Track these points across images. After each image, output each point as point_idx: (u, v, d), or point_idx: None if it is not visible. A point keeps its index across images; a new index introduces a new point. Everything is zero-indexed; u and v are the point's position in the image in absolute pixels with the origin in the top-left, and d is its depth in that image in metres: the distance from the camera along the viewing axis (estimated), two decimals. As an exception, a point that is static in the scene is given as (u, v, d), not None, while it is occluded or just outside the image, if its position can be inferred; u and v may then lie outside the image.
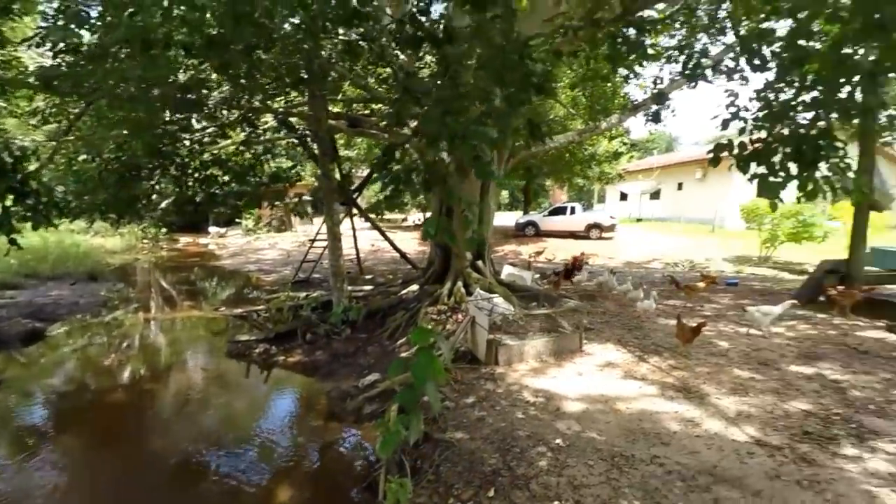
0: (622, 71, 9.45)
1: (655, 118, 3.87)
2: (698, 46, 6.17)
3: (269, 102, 7.23)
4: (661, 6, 6.86)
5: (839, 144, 2.93)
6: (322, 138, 7.12)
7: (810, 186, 2.92)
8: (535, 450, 3.43)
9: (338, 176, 7.28)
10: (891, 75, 2.86)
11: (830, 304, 7.28)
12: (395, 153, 3.63)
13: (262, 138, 8.94)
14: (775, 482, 2.97)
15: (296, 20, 4.33)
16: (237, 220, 26.52)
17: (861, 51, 2.74)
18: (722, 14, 7.00)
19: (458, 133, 2.86)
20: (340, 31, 5.45)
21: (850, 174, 3.01)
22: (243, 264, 16.05)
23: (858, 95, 2.87)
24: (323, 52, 6.07)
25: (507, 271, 9.04)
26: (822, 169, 2.96)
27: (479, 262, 8.08)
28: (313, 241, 11.55)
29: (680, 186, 31.03)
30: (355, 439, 4.64)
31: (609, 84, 12.54)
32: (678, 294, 8.60)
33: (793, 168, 3.03)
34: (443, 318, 6.98)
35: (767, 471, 3.09)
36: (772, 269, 15.48)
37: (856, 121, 2.97)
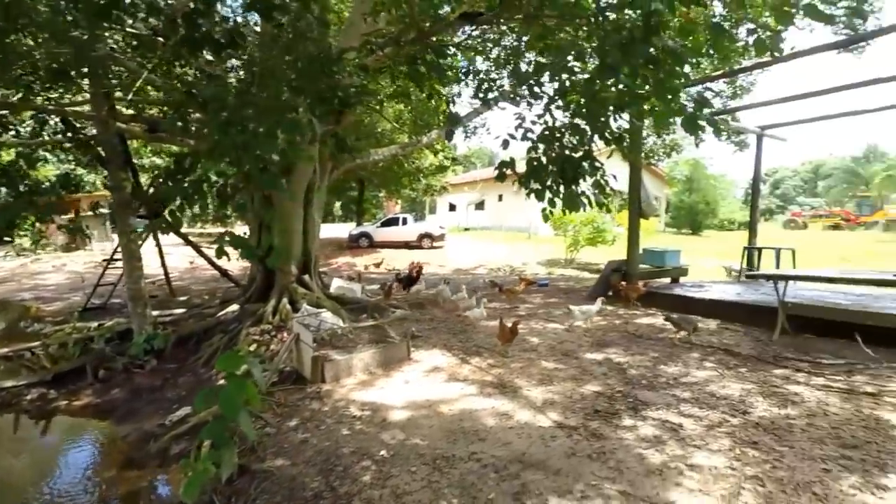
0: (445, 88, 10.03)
1: (448, 136, 4.16)
2: (494, 74, 6.83)
3: (32, 98, 6.03)
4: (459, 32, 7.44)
5: (598, 164, 3.48)
6: (108, 142, 6.17)
7: (573, 201, 3.40)
8: (359, 465, 3.37)
9: (132, 187, 6.37)
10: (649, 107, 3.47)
11: (620, 297, 8.59)
12: (186, 163, 3.29)
13: (22, 138, 7.42)
14: (572, 459, 3.34)
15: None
16: (5, 238, 21.72)
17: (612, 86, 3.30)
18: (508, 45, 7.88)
19: (239, 144, 2.69)
20: (129, 21, 4.80)
21: (608, 190, 3.58)
22: (14, 292, 13.15)
23: (617, 123, 3.48)
24: (108, 44, 5.29)
25: (336, 284, 8.86)
26: (583, 187, 3.49)
27: (306, 277, 7.79)
28: (109, 260, 9.96)
29: (500, 198, 33.93)
30: (161, 486, 4.07)
31: (431, 101, 13.24)
32: (500, 297, 9.32)
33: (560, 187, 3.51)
34: (267, 339, 6.54)
35: (566, 450, 3.46)
36: (575, 270, 17.68)
37: (615, 145, 3.56)
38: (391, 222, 23.16)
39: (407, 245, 22.75)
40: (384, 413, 4.22)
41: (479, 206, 35.40)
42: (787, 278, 6.31)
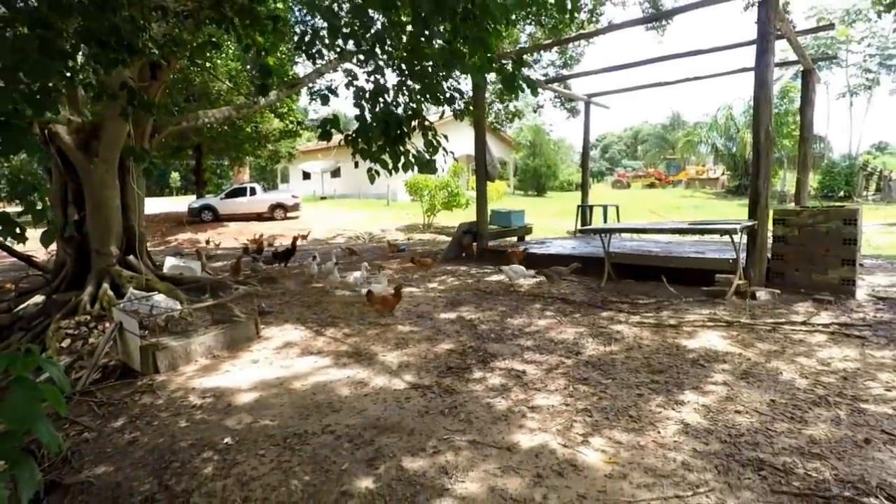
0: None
1: (260, 91, 3.85)
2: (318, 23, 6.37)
3: None
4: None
5: (427, 124, 3.50)
6: None
7: (402, 160, 3.38)
8: (199, 458, 3.08)
9: None
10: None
11: (468, 257, 8.98)
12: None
13: None
14: (425, 417, 3.42)
15: None
16: None
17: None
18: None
19: None
20: None
21: (442, 150, 3.62)
22: None
23: (448, 83, 3.51)
24: None
25: (169, 263, 7.93)
26: (409, 146, 3.48)
27: (131, 257, 6.82)
28: None
29: (357, 165, 33.13)
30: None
31: (271, 61, 12.22)
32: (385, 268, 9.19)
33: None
34: (84, 332, 5.63)
35: (420, 409, 3.53)
36: (433, 234, 18.14)
37: (447, 106, 3.58)
38: (237, 193, 21.39)
39: (259, 217, 21.30)
40: (229, 398, 3.90)
41: (335, 173, 34.29)
42: (609, 231, 7.12)
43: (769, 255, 6.30)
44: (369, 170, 3.55)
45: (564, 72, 13.22)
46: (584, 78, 10.80)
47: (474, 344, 4.85)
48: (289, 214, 21.77)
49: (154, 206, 23.35)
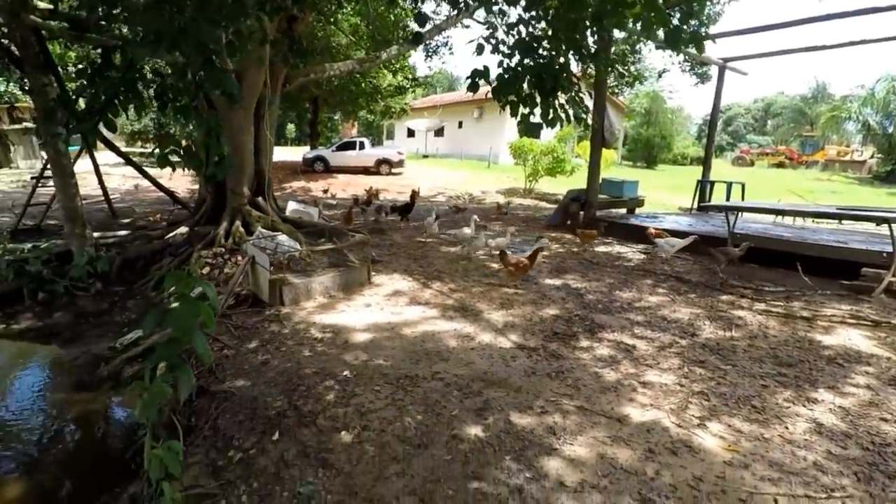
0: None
1: (416, 40, 3.81)
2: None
3: None
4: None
5: (574, 80, 3.33)
6: (21, 38, 5.43)
7: (551, 114, 3.25)
8: (322, 385, 3.36)
9: (57, 93, 5.67)
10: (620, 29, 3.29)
11: (576, 232, 8.71)
12: (116, 57, 2.89)
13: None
14: (532, 378, 3.45)
15: None
16: None
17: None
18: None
19: (174, 29, 2.35)
20: None
21: (583, 106, 3.46)
22: (-69, 211, 12.05)
23: (591, 39, 3.30)
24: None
25: (291, 207, 8.54)
26: (562, 100, 3.34)
27: (260, 199, 7.44)
28: (39, 178, 9.18)
29: (460, 125, 33.17)
30: (116, 408, 3.97)
31: (391, 16, 12.35)
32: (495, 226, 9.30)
33: (537, 98, 3.33)
34: (220, 262, 6.30)
35: (526, 369, 3.57)
36: (534, 200, 17.82)
37: (590, 62, 3.39)
38: (347, 146, 22.29)
39: (366, 171, 22.12)
40: (346, 335, 4.19)
41: (439, 132, 34.54)
42: (736, 209, 6.53)
43: (934, 252, 5.45)
44: (519, 123, 3.48)
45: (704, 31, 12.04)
46: (721, 40, 9.75)
47: (581, 312, 4.76)
48: (393, 170, 22.37)
49: (273, 154, 25.11)
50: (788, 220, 8.31)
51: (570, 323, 4.49)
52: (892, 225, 5.09)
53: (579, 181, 14.79)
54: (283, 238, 6.40)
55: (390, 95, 20.93)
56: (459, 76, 75.25)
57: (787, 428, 2.88)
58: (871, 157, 33.29)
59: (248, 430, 2.92)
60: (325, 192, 15.43)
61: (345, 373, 3.52)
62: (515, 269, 5.46)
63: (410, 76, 22.02)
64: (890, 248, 5.31)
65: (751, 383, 3.41)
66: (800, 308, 4.94)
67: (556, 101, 3.24)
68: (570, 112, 3.32)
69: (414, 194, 10.59)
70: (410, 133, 36.50)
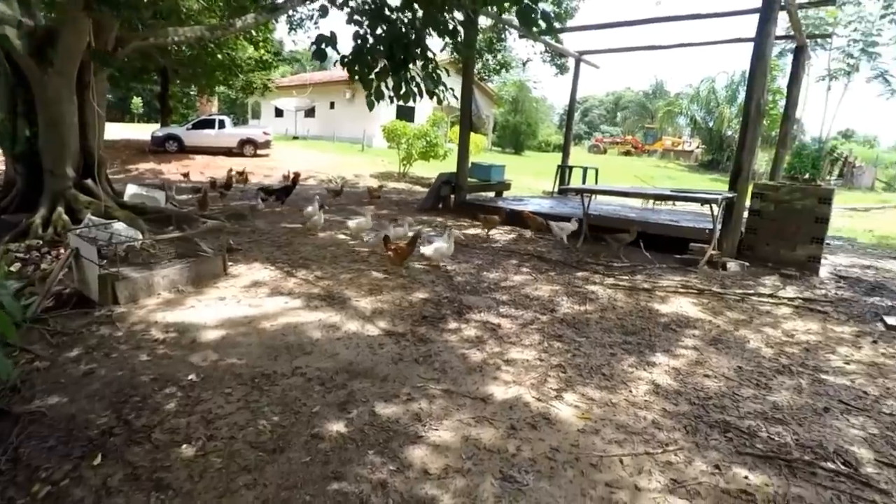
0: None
1: (273, 8, 3.47)
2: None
3: None
4: None
5: (430, 54, 3.26)
6: None
7: (403, 87, 3.15)
8: (161, 393, 2.95)
9: None
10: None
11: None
12: None
13: None
14: (399, 364, 3.36)
15: None
16: None
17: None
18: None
19: None
20: None
21: (442, 84, 3.41)
22: None
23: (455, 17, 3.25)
24: None
25: (131, 191, 7.50)
26: (416, 73, 3.24)
27: (89, 182, 6.40)
28: None
29: (332, 105, 32.00)
30: None
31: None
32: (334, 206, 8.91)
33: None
34: (36, 256, 5.31)
35: (393, 356, 3.47)
36: (408, 184, 17.82)
37: (450, 41, 3.34)
38: (205, 124, 20.32)
39: (229, 152, 20.38)
40: (194, 334, 3.75)
41: (310, 113, 33.00)
42: (590, 192, 7.06)
43: (743, 229, 6.39)
44: (368, 95, 3.30)
45: (558, 25, 12.80)
46: (577, 35, 10.45)
47: (450, 295, 4.79)
48: (259, 152, 20.91)
49: (115, 131, 22.03)
50: (636, 202, 9.24)
51: (439, 306, 4.49)
52: (712, 205, 5.85)
53: (453, 166, 15.04)
54: (119, 226, 5.57)
55: (251, 70, 19.37)
56: (332, 54, 72.55)
57: (631, 392, 3.13)
58: (697, 147, 38.55)
59: (62, 457, 2.45)
60: (186, 175, 13.89)
61: (190, 376, 3.13)
62: (394, 255, 5.32)
63: (272, 50, 20.58)
64: (711, 226, 6.11)
65: (601, 353, 3.67)
66: (642, 281, 5.47)
67: (408, 75, 3.13)
68: (423, 87, 3.24)
69: (296, 177, 9.94)
70: (279, 113, 34.38)
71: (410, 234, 6.20)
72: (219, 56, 16.19)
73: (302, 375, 3.17)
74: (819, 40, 31.37)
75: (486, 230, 7.57)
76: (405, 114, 27.52)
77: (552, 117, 59.38)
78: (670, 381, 3.30)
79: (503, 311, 4.41)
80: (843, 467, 2.46)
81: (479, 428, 2.68)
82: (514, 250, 6.69)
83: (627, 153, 41.87)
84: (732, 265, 5.91)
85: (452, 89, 3.53)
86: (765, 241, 6.18)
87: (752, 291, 5.24)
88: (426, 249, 5.67)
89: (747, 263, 6.03)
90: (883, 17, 29.31)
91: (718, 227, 6.03)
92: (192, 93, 36.99)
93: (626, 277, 5.61)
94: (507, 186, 10.93)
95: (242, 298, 4.51)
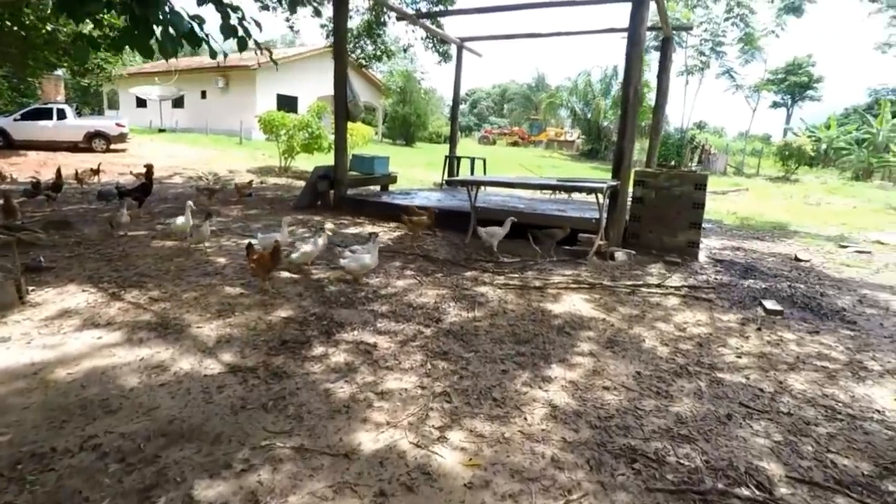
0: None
1: None
2: None
3: None
4: None
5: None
6: None
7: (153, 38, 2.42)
8: None
9: None
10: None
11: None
12: None
13: None
14: (240, 415, 2.60)
15: None
16: None
17: None
18: None
19: None
20: None
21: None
22: None
23: None
24: None
25: None
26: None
27: None
28: None
29: (203, 95, 29.15)
30: None
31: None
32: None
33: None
34: None
35: (234, 403, 2.70)
36: (290, 178, 16.53)
37: None
38: (39, 114, 17.24)
39: (75, 147, 17.51)
40: (-58, 398, 2.67)
41: (178, 103, 29.79)
42: (477, 183, 6.65)
43: (627, 217, 6.35)
44: (74, 40, 2.45)
45: (437, 9, 12.33)
46: (459, 22, 10.06)
47: (319, 310, 4.06)
48: (113, 146, 18.25)
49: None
50: (526, 193, 9.07)
51: (305, 326, 3.76)
52: (598, 194, 5.69)
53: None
54: None
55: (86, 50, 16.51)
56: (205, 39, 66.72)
57: (525, 419, 2.67)
58: (578, 137, 40.73)
59: None
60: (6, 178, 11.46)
61: None
62: (256, 266, 4.43)
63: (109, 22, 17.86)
64: (598, 215, 5.97)
65: (492, 370, 3.19)
66: (533, 278, 5.14)
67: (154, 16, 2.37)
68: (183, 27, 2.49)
69: (150, 171, 8.32)
70: (141, 103, 30.59)
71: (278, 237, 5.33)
72: (43, 31, 13.43)
73: (94, 450, 2.30)
74: (676, 38, 34.47)
75: (413, 235, 6.61)
76: (287, 104, 25.74)
77: (442, 109, 59.58)
78: (568, 398, 2.89)
79: (381, 327, 3.79)
80: (757, 492, 2.17)
81: (338, 500, 2.04)
82: (398, 250, 6.09)
83: (515, 144, 43.20)
84: (620, 255, 5.82)
85: (270, 52, 2.80)
86: (648, 229, 6.19)
87: (641, 283, 5.12)
88: (301, 250, 4.86)
89: (634, 252, 5.99)
90: (727, 19, 32.84)
91: (605, 216, 5.89)
92: (34, 80, 31.63)
93: (517, 275, 5.25)
94: (393, 179, 10.29)
95: (37, 337, 3.42)
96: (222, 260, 5.30)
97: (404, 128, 33.39)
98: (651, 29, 10.49)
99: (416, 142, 34.26)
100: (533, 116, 50.35)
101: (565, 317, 4.12)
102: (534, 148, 41.82)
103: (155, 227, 6.79)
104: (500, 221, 6.63)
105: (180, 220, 5.78)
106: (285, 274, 4.93)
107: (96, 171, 12.48)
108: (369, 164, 9.30)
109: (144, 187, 7.48)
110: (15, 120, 16.88)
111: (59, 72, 24.03)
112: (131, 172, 12.32)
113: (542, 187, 6.50)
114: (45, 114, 17.28)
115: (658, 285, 5.00)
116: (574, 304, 4.43)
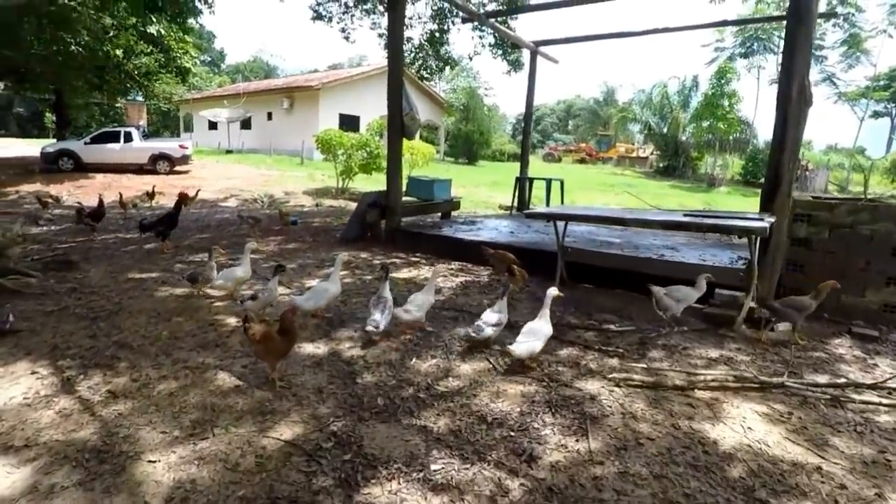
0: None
1: None
2: None
3: None
4: None
5: None
6: None
7: None
8: None
9: None
10: None
11: (376, 240, 6.65)
12: None
13: None
14: None
15: None
16: None
17: None
18: None
19: None
20: None
21: None
22: None
23: None
24: None
25: None
26: None
27: None
28: None
29: (269, 116, 29.36)
30: None
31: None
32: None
33: None
34: None
35: None
36: (346, 201, 15.59)
37: None
38: (107, 137, 17.39)
39: (141, 169, 17.56)
40: None
41: (246, 124, 30.21)
42: (569, 218, 5.04)
43: (782, 264, 4.53)
44: None
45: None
46: (531, 26, 8.60)
47: (342, 424, 2.63)
48: (177, 168, 18.17)
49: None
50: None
51: (314, 462, 2.32)
52: (753, 237, 3.93)
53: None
54: None
55: (146, 74, 16.44)
56: (276, 65, 69.44)
57: None
58: (652, 153, 37.92)
59: None
60: (50, 201, 11.14)
61: None
62: (260, 349, 3.08)
63: (197, 54, 17.91)
64: (745, 264, 4.23)
65: None
66: (661, 360, 3.47)
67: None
68: None
69: (183, 198, 7.38)
70: (212, 125, 31.38)
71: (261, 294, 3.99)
72: (73, 49, 13.04)
73: None
74: (766, 42, 31.35)
75: (518, 284, 4.88)
76: (349, 123, 25.28)
77: (504, 126, 58.16)
78: None
79: (437, 471, 2.29)
80: None
81: None
82: (461, 306, 4.60)
83: (582, 161, 40.96)
84: (782, 323, 4.02)
85: None
86: (816, 281, 4.34)
87: (840, 378, 3.31)
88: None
89: (799, 320, 4.15)
90: (827, 19, 29.39)
91: (756, 266, 4.11)
92: (117, 105, 33.34)
93: (637, 356, 3.59)
94: (456, 205, 8.88)
95: None
96: (232, 321, 4.02)
97: (467, 146, 32.23)
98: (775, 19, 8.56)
99: (478, 160, 32.98)
100: (601, 132, 47.85)
101: (745, 458, 2.44)
102: (602, 165, 39.41)
103: (174, 266, 5.71)
104: (599, 267, 5.02)
105: (211, 268, 4.57)
106: (310, 349, 3.55)
107: (152, 195, 12.00)
108: (428, 188, 7.92)
109: (169, 218, 6.45)
110: (85, 143, 17.09)
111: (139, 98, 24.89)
112: (182, 196, 11.69)
113: (668, 226, 4.79)
114: (113, 137, 17.42)
115: (874, 386, 3.17)
116: (749, 424, 2.73)
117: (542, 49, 10.05)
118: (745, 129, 30.80)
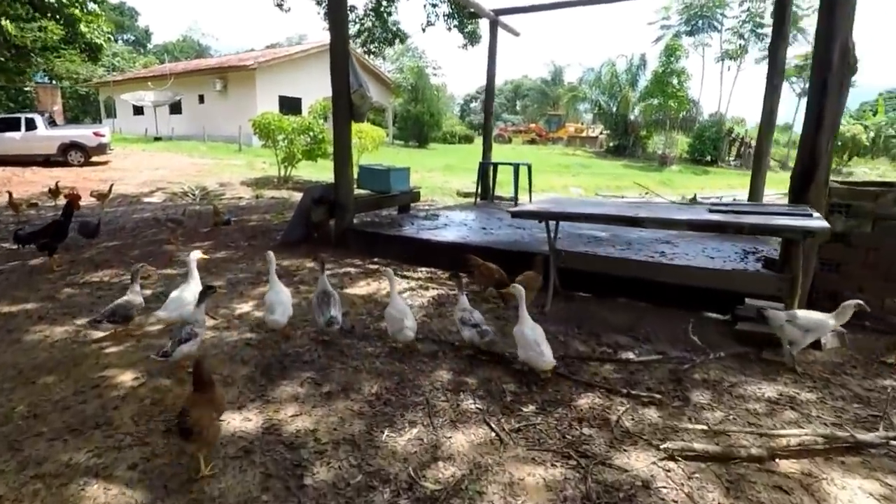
0: None
1: None
2: None
3: None
4: None
5: None
6: None
7: None
8: None
9: None
10: None
11: (323, 241, 5.57)
12: None
13: None
14: None
15: None
16: None
17: None
18: None
19: None
20: None
21: None
22: None
23: None
24: None
25: None
26: None
27: None
28: None
29: (201, 99, 27.00)
30: None
31: None
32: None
33: None
34: None
35: None
36: (290, 191, 14.24)
37: None
38: (5, 125, 15.15)
39: (48, 161, 15.42)
40: None
41: (175, 108, 27.70)
42: (566, 218, 4.15)
43: (816, 263, 3.85)
44: None
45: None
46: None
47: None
48: (93, 158, 16.11)
49: None
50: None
51: None
52: (795, 240, 3.17)
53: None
54: None
55: (53, 51, 14.32)
56: (208, 45, 65.00)
57: None
58: (601, 133, 37.91)
59: None
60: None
61: None
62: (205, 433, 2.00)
63: (109, 29, 15.78)
64: (749, 257, 3.49)
65: None
66: (716, 414, 2.66)
67: None
68: None
69: (73, 200, 5.91)
70: (138, 110, 28.59)
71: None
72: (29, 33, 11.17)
73: None
74: (711, 20, 31.67)
75: (483, 290, 4.35)
76: (291, 106, 23.45)
77: (453, 107, 56.95)
78: None
79: None
80: None
81: None
82: (439, 333, 3.66)
83: (532, 141, 40.56)
84: (830, 339, 3.33)
85: None
86: (856, 284, 3.68)
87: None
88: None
89: (844, 330, 3.48)
90: (768, -2, 29.93)
91: (800, 273, 3.37)
92: (6, 85, 29.75)
93: (679, 402, 2.77)
94: (416, 197, 7.86)
95: None
96: (127, 378, 2.90)
97: (417, 128, 30.93)
98: None
99: (429, 143, 31.80)
100: (550, 112, 47.56)
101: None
102: (553, 146, 39.12)
103: (60, 290, 4.43)
104: (598, 274, 4.18)
105: (127, 297, 3.38)
106: (236, 419, 2.50)
107: (56, 192, 10.27)
108: (384, 178, 6.81)
109: (58, 228, 5.09)
110: (-26, 132, 14.78)
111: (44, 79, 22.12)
112: (92, 193, 10.01)
113: (697, 226, 3.93)
114: (11, 125, 15.16)
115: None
116: (868, 518, 1.96)
117: (503, 19, 9.10)
118: (693, 107, 31.14)
